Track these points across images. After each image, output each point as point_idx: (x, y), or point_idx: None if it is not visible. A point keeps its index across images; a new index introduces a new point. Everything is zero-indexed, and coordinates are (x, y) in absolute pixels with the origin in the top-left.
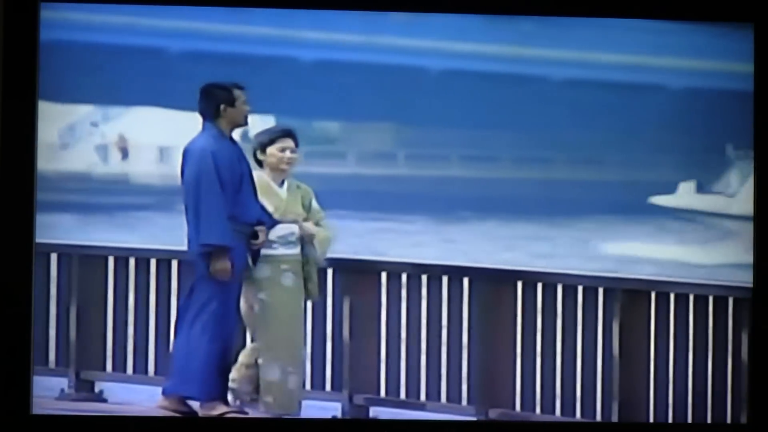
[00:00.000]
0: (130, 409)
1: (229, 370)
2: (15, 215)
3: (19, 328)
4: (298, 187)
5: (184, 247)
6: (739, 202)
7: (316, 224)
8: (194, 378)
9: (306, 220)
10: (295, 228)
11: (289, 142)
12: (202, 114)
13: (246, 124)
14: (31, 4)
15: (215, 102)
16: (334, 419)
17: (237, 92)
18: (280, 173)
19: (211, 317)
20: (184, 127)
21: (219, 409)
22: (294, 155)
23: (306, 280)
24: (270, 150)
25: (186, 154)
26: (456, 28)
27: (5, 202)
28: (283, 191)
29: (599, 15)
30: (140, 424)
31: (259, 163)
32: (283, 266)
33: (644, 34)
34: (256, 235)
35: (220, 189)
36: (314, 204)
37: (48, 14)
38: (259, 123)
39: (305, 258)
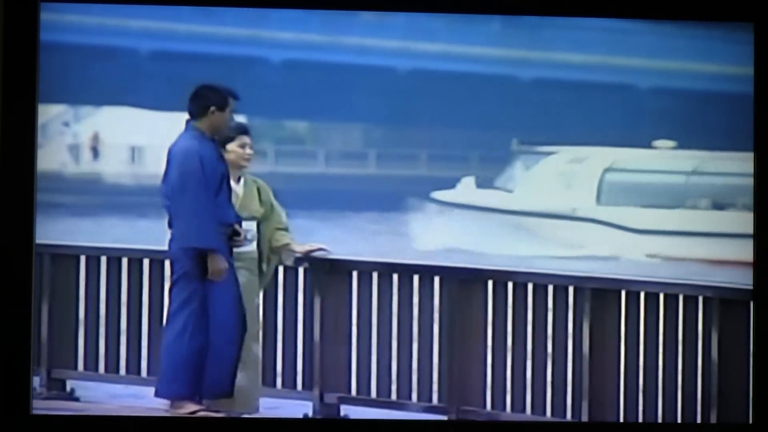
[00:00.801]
0: (103, 408)
1: (203, 369)
2: (15, 215)
3: (18, 328)
4: (254, 182)
5: (156, 247)
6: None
7: (279, 224)
8: (166, 376)
9: (264, 216)
10: (252, 225)
11: (247, 139)
12: (189, 112)
13: (227, 134)
14: (31, 5)
15: (206, 102)
16: (339, 419)
17: (230, 99)
18: (238, 170)
19: (191, 316)
20: (154, 126)
21: (188, 408)
22: (252, 151)
23: (260, 276)
24: (230, 147)
25: (171, 154)
26: (423, 29)
27: (5, 202)
28: (240, 187)
29: (599, 15)
30: (140, 424)
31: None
32: (238, 263)
33: (615, 35)
34: (236, 234)
35: (206, 191)
36: (273, 201)
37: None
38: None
39: (261, 256)
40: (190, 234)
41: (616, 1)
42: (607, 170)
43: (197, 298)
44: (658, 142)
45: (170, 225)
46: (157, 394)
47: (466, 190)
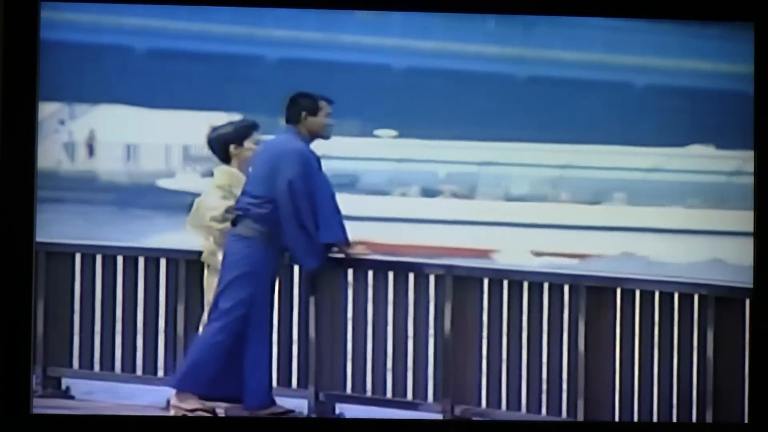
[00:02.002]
0: (100, 407)
1: (222, 372)
2: (15, 215)
3: (18, 327)
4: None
5: (150, 245)
6: None
7: None
8: (189, 368)
9: None
10: None
11: (258, 136)
12: (286, 119)
13: (326, 136)
14: (31, 4)
15: (299, 108)
16: (334, 418)
17: (322, 103)
18: (248, 167)
19: (237, 320)
20: (150, 124)
21: (190, 404)
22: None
23: None
24: (247, 144)
25: (281, 155)
26: (420, 27)
27: (5, 201)
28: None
29: (598, 14)
30: (140, 424)
31: (227, 159)
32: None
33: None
34: None
35: (328, 186)
36: None
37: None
38: (225, 120)
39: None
40: (333, 229)
41: (616, 1)
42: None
43: (248, 304)
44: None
45: (256, 220)
46: (172, 384)
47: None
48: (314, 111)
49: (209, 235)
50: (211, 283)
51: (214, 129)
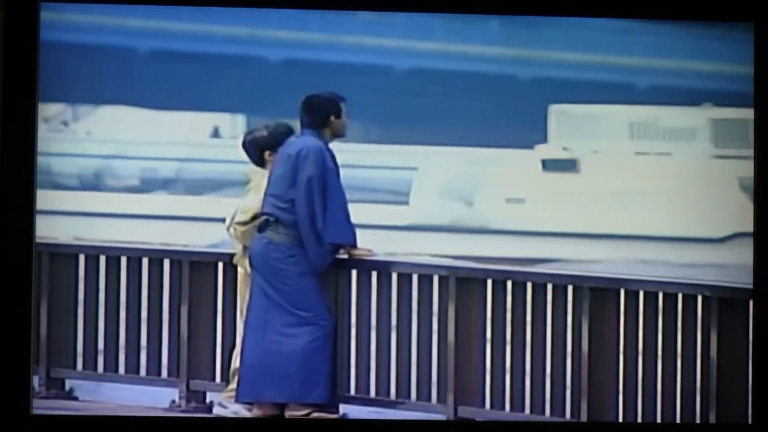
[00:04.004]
0: (102, 408)
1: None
2: (15, 215)
3: (18, 328)
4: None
5: (154, 246)
6: None
7: None
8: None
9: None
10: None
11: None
12: (307, 124)
13: (344, 135)
14: (31, 4)
15: (325, 113)
16: (338, 419)
17: (341, 104)
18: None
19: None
20: (153, 125)
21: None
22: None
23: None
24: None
25: (300, 154)
26: (422, 28)
27: (5, 201)
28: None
29: (598, 15)
30: (140, 424)
31: (261, 162)
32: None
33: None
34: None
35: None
36: None
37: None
38: (228, 122)
39: None
40: (342, 230)
41: (616, 1)
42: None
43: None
44: None
45: (280, 222)
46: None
47: None
48: (339, 113)
49: (234, 237)
50: (243, 286)
51: (249, 132)
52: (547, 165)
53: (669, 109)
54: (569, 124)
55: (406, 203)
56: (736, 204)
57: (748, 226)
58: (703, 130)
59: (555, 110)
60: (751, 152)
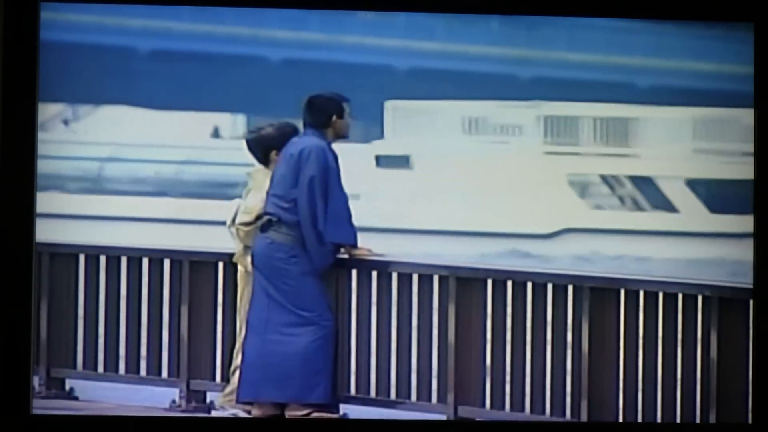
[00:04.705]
0: (102, 408)
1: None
2: (15, 215)
3: (18, 328)
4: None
5: (154, 246)
6: None
7: None
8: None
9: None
10: None
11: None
12: (309, 124)
13: (347, 136)
14: (31, 4)
15: (328, 113)
16: (338, 418)
17: (344, 104)
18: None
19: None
20: (153, 124)
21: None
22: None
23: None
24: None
25: (302, 153)
26: (423, 27)
27: (5, 202)
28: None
29: (599, 15)
30: (140, 424)
31: (266, 161)
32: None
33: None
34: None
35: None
36: None
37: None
38: (229, 121)
39: None
40: (343, 230)
41: (616, 1)
42: None
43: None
44: None
45: (282, 222)
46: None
47: None
48: (342, 113)
49: (236, 237)
50: (244, 285)
51: (253, 130)
52: (381, 161)
53: (502, 104)
54: (404, 120)
55: None
56: (565, 200)
57: (576, 222)
58: (534, 126)
59: (391, 106)
60: (579, 149)
